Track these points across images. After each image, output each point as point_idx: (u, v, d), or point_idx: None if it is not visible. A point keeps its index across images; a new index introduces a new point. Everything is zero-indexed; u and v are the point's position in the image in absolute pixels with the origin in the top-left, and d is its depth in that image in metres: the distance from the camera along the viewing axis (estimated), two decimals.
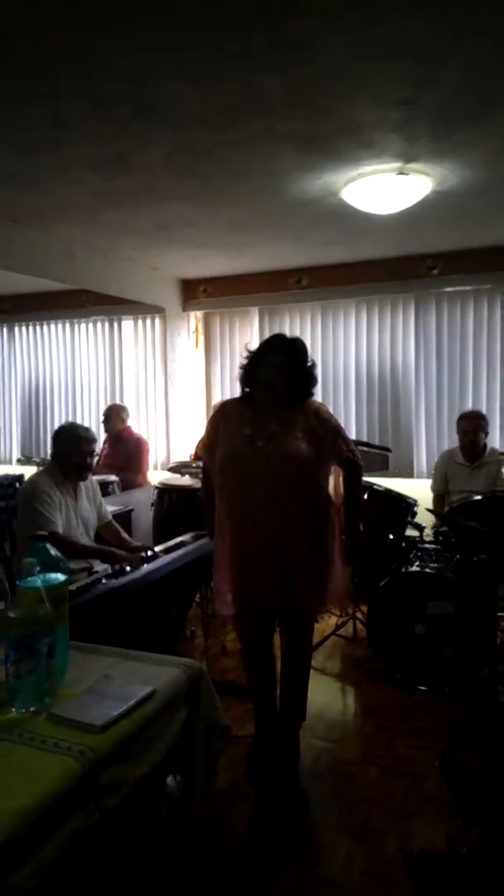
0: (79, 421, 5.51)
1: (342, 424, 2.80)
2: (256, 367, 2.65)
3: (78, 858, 1.33)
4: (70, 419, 5.63)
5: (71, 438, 3.23)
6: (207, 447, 2.79)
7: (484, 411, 4.67)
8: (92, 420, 5.41)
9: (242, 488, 2.61)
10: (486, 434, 4.27)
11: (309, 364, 2.68)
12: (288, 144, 2.90)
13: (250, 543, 2.61)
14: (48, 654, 1.57)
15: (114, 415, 5.21)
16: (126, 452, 5.15)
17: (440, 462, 4.51)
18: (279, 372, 2.59)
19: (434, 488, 4.54)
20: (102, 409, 5.38)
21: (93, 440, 3.30)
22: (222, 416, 2.75)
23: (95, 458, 3.49)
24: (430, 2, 1.91)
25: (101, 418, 5.24)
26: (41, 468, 3.34)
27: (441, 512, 4.30)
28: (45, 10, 1.93)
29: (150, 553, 3.24)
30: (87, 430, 3.31)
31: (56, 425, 5.72)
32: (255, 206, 3.76)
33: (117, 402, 5.53)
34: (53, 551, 1.81)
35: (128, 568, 2.98)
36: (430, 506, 3.75)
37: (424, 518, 4.00)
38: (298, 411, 2.64)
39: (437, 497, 4.48)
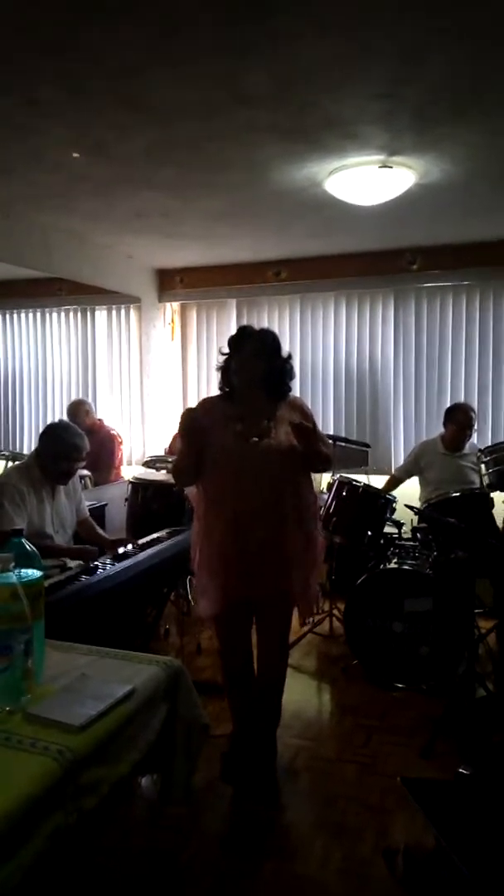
0: (49, 414, 5.42)
1: (320, 419, 2.80)
2: (232, 360, 2.64)
3: (57, 859, 1.29)
4: (41, 411, 5.52)
5: (62, 444, 3.06)
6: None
7: None
8: (64, 413, 5.29)
9: (237, 484, 2.57)
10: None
11: (285, 355, 2.67)
12: (270, 136, 2.86)
13: (245, 538, 2.56)
14: (25, 652, 1.51)
15: (79, 411, 5.08)
16: (97, 447, 5.05)
17: (419, 450, 4.49)
18: (255, 357, 2.58)
19: (399, 470, 4.56)
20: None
21: (85, 449, 3.12)
22: (206, 413, 2.70)
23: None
24: (413, 2, 1.91)
25: (67, 415, 5.12)
26: (19, 462, 3.21)
27: (390, 490, 4.35)
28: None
29: (130, 546, 3.18)
30: (82, 437, 3.12)
31: (26, 417, 5.67)
32: (235, 196, 3.71)
33: (86, 395, 5.41)
34: (28, 546, 1.75)
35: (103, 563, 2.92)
36: (410, 501, 3.75)
37: (403, 514, 4.00)
38: (283, 407, 2.64)
39: (393, 479, 4.51)
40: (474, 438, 4.40)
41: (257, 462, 2.55)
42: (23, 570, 1.62)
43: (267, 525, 2.55)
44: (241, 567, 2.58)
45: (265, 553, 2.56)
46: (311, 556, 2.67)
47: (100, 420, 5.18)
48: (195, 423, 2.59)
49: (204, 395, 5.47)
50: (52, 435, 3.10)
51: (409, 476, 4.49)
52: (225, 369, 2.67)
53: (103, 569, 2.87)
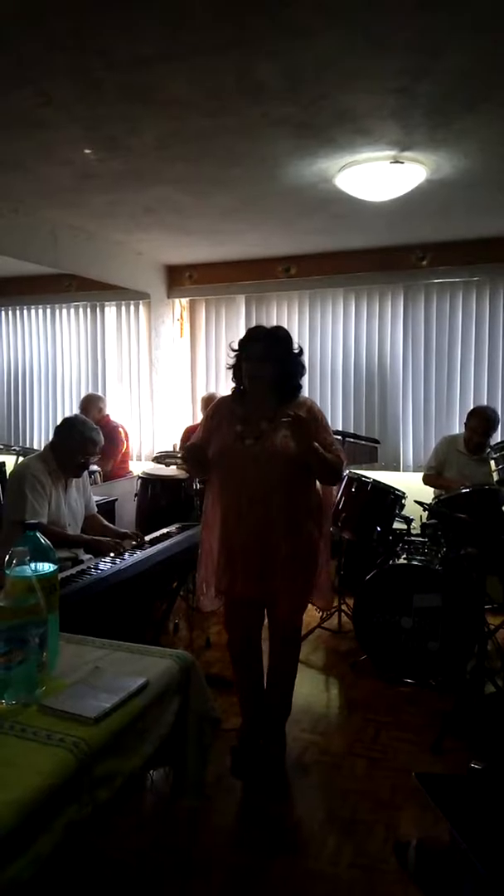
0: (59, 410, 5.44)
1: (328, 416, 2.80)
2: (241, 363, 2.65)
3: (71, 851, 1.30)
4: (51, 407, 5.53)
5: (79, 437, 3.09)
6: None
7: (471, 404, 4.66)
8: (73, 408, 5.31)
9: (230, 485, 2.63)
10: (494, 432, 4.24)
11: (296, 351, 2.67)
12: (282, 130, 2.85)
13: (237, 538, 2.62)
14: (39, 645, 1.52)
15: (91, 405, 5.09)
16: (106, 442, 5.05)
17: (441, 446, 4.44)
18: (263, 362, 2.58)
19: (427, 467, 4.47)
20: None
21: (100, 444, 3.16)
22: (216, 414, 2.75)
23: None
24: None
25: (79, 409, 5.13)
26: (35, 453, 3.23)
27: (433, 484, 4.27)
28: None
29: (139, 539, 3.20)
30: (98, 432, 3.16)
31: (36, 413, 5.69)
32: (246, 192, 3.70)
33: (96, 391, 5.42)
34: (43, 540, 1.75)
35: (114, 556, 2.93)
36: (419, 497, 3.73)
37: (412, 510, 3.99)
38: (289, 409, 2.60)
39: (428, 475, 4.40)
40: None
41: (250, 464, 2.56)
42: (37, 564, 1.63)
43: (254, 525, 2.57)
44: (234, 563, 2.63)
45: (250, 554, 2.59)
46: (305, 558, 2.66)
47: (107, 415, 5.19)
48: (200, 453, 2.64)
49: (212, 391, 5.51)
50: (70, 429, 3.13)
51: (444, 467, 4.39)
52: (236, 368, 2.68)
53: (114, 563, 2.88)
